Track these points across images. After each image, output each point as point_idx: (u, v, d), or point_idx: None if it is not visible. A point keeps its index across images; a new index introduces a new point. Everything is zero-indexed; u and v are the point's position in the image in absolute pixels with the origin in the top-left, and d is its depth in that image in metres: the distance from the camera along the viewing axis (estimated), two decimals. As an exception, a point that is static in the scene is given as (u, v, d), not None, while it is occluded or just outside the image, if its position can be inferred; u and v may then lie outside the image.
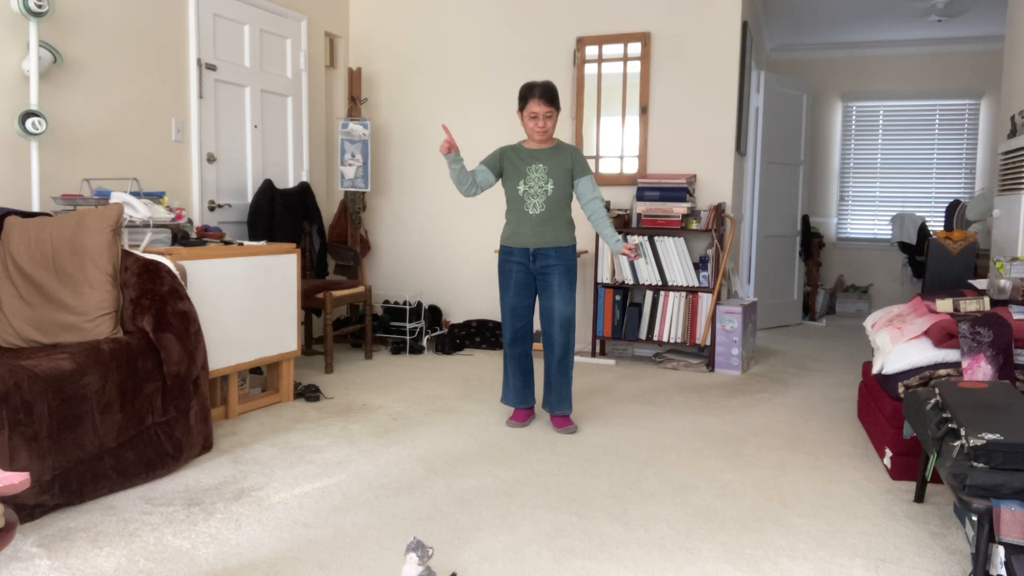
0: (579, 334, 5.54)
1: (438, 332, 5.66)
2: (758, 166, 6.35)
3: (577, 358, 5.23)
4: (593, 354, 5.26)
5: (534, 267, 3.54)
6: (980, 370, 2.81)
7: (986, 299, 3.20)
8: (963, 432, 2.06)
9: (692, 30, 5.15)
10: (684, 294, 4.96)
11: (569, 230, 3.56)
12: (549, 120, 3.46)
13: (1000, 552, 1.92)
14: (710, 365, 4.92)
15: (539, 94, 3.43)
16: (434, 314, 5.77)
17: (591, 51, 5.39)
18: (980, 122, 7.60)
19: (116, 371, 2.75)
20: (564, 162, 3.52)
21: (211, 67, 4.58)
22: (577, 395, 4.25)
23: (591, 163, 5.46)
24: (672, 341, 4.99)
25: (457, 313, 5.89)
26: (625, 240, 3.59)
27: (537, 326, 5.46)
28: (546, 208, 3.50)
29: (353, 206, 5.58)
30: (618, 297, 5.12)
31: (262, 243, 3.93)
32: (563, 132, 5.51)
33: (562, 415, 3.59)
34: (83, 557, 2.25)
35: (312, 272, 5.24)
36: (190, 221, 3.73)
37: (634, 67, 5.30)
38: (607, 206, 4.98)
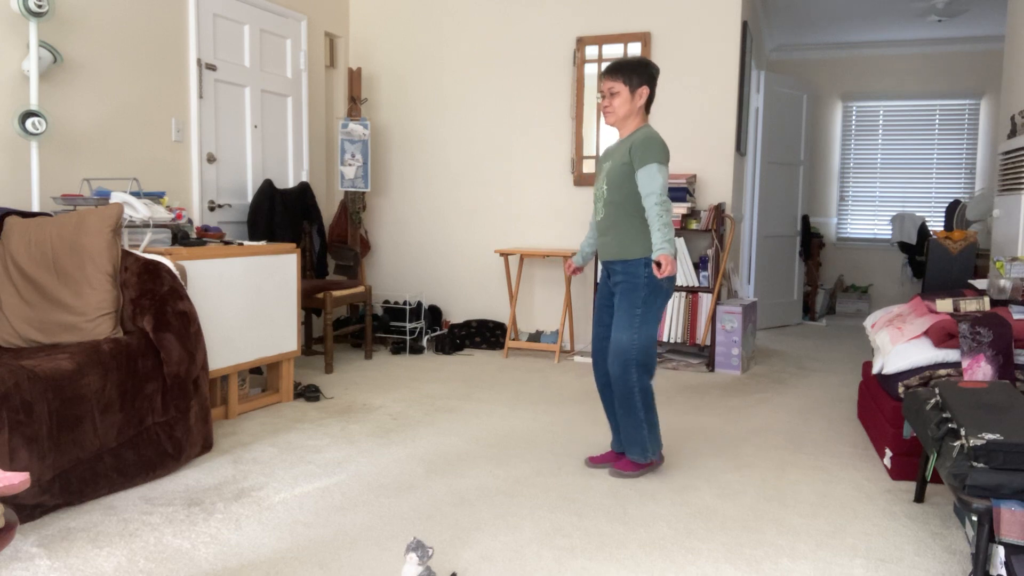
0: (579, 333, 5.54)
1: (438, 332, 5.66)
2: (758, 166, 6.35)
3: (577, 358, 5.23)
4: (593, 354, 5.25)
5: (611, 283, 3.03)
6: (980, 370, 2.81)
7: (986, 299, 3.20)
8: (963, 432, 2.06)
9: (692, 30, 5.15)
10: (684, 294, 4.96)
11: (637, 240, 2.91)
12: (614, 97, 2.91)
13: (1000, 552, 1.92)
14: (710, 365, 4.91)
15: (604, 69, 2.95)
16: (434, 314, 5.77)
17: (591, 51, 5.39)
18: (980, 122, 7.60)
19: (116, 371, 2.75)
20: (623, 155, 2.89)
21: (211, 67, 4.58)
22: (576, 393, 4.24)
23: (592, 163, 5.45)
24: (672, 341, 4.99)
25: (457, 313, 5.89)
26: (671, 253, 2.78)
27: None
28: (605, 214, 2.96)
29: (353, 206, 5.58)
30: (618, 297, 5.12)
31: (262, 243, 3.93)
32: (563, 132, 5.51)
33: (625, 457, 3.07)
34: (83, 557, 2.25)
35: (312, 272, 5.24)
36: (190, 221, 3.73)
37: (634, 67, 5.30)
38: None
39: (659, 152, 2.82)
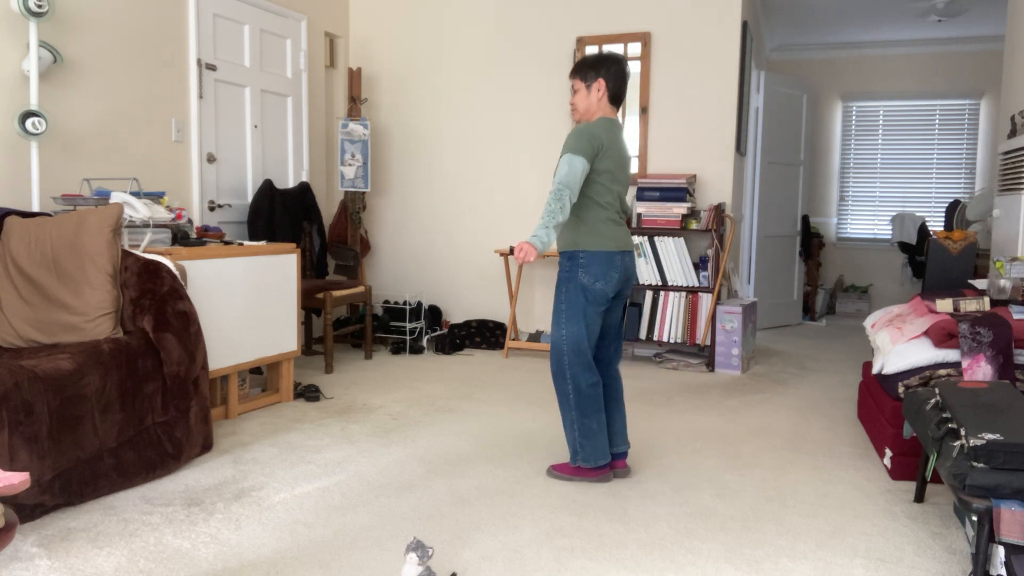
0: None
1: (438, 332, 5.66)
2: (758, 166, 6.35)
3: (577, 358, 5.22)
4: (593, 354, 5.25)
5: None
6: (980, 370, 2.81)
7: (986, 299, 3.20)
8: (963, 432, 2.06)
9: (692, 30, 5.15)
10: (684, 294, 4.96)
11: (569, 232, 2.88)
12: (575, 95, 2.96)
13: (1000, 552, 1.92)
14: (710, 365, 4.91)
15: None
16: (434, 314, 5.76)
17: (591, 51, 5.39)
18: (980, 122, 7.60)
19: (116, 371, 2.75)
20: None
21: (211, 67, 4.58)
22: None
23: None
24: (672, 341, 4.99)
25: (457, 313, 5.89)
26: (537, 243, 2.67)
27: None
28: None
29: (353, 206, 5.58)
30: (618, 297, 5.12)
31: (262, 243, 3.93)
32: (563, 132, 5.51)
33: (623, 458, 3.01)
34: (83, 557, 2.25)
35: (312, 272, 5.24)
36: (190, 221, 3.73)
37: (634, 67, 5.30)
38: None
39: (577, 142, 2.78)
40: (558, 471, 2.95)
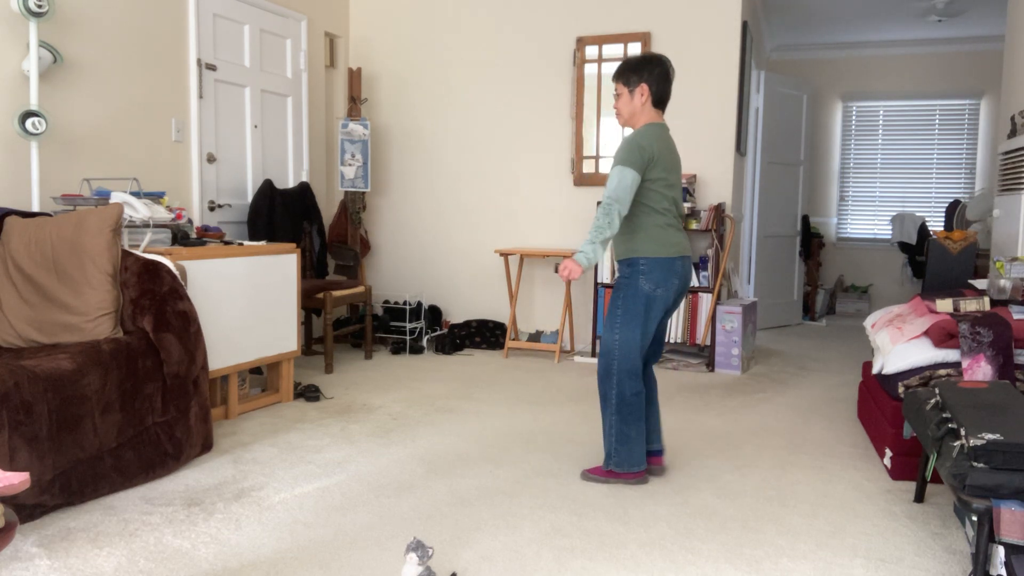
0: (579, 333, 5.54)
1: (438, 332, 5.66)
2: (758, 166, 6.35)
3: (577, 358, 5.22)
4: (593, 354, 5.25)
5: None
6: (980, 370, 2.81)
7: (986, 299, 3.20)
8: (963, 432, 2.06)
9: (692, 30, 5.15)
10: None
11: (627, 240, 2.88)
12: (618, 99, 2.93)
13: (1000, 552, 1.92)
14: (710, 365, 4.91)
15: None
16: (434, 314, 5.77)
17: (591, 51, 5.39)
18: (980, 122, 7.60)
19: (116, 371, 2.75)
20: None
21: (211, 67, 4.58)
22: (576, 393, 4.24)
23: (592, 163, 5.45)
24: (672, 341, 4.99)
25: (457, 313, 5.89)
26: (583, 260, 2.74)
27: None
28: None
29: (353, 206, 5.58)
30: (618, 297, 5.12)
31: (262, 243, 3.93)
32: (563, 132, 5.51)
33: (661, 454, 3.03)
34: (83, 557, 2.25)
35: (312, 272, 5.24)
36: (190, 221, 3.73)
37: (634, 67, 5.30)
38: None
39: (626, 153, 2.78)
40: (593, 474, 2.93)
